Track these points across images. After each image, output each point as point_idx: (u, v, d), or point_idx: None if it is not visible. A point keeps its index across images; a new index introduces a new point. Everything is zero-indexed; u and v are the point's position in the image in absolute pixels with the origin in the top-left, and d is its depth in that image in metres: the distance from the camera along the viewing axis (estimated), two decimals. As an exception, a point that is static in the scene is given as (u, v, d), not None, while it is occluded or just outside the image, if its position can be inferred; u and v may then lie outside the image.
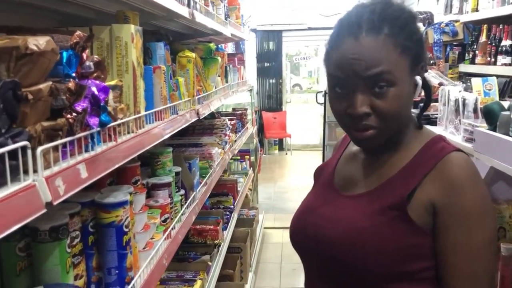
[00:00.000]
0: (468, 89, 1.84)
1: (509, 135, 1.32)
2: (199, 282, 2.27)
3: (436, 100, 2.03)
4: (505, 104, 1.33)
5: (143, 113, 1.40)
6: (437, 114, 2.05)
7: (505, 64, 3.34)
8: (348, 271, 0.99)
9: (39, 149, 0.80)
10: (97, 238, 1.29)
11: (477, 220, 0.94)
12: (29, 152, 0.77)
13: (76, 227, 1.20)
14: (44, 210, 0.79)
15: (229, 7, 3.80)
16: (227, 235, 3.03)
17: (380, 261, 0.95)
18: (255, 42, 9.02)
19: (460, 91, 1.83)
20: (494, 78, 1.82)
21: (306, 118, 10.90)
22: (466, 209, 0.94)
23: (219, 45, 3.69)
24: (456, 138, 1.76)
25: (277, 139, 9.32)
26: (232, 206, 3.38)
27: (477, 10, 4.06)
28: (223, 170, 3.47)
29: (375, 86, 0.95)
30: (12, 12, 1.48)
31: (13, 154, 0.74)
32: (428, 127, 2.20)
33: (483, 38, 3.91)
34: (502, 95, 1.96)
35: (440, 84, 2.20)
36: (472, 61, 4.07)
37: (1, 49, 0.77)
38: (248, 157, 4.74)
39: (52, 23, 1.74)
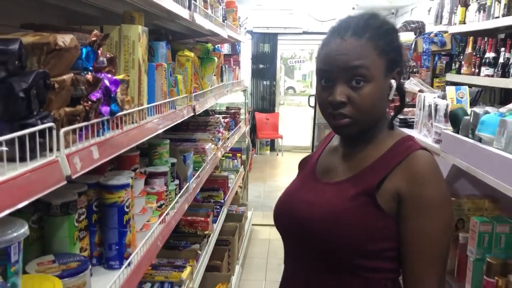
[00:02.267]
0: (445, 96, 2.00)
1: (468, 137, 1.48)
2: (188, 269, 2.40)
3: (414, 106, 2.19)
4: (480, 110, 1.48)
5: (145, 105, 1.54)
6: (414, 118, 2.21)
7: (488, 75, 3.51)
8: (323, 248, 1.13)
9: (62, 130, 0.94)
10: (100, 217, 1.43)
11: (434, 210, 1.09)
12: (54, 132, 0.90)
13: (82, 205, 1.33)
14: (65, 182, 0.92)
15: (227, 10, 3.94)
16: (217, 227, 3.17)
17: (351, 240, 1.10)
18: (251, 44, 9.16)
19: (434, 98, 1.99)
20: (466, 87, 1.98)
21: (298, 120, 11.05)
22: (425, 200, 1.09)
23: (216, 46, 3.83)
24: (427, 140, 1.91)
25: (269, 139, 9.47)
26: (222, 201, 3.52)
27: (464, 23, 4.22)
28: (215, 166, 3.61)
29: (353, 79, 1.10)
30: (22, 8, 1.60)
31: (41, 133, 0.87)
32: (404, 129, 2.37)
33: (469, 50, 4.07)
34: (474, 103, 2.12)
35: (420, 91, 2.36)
36: (458, 71, 4.21)
37: (34, 44, 0.91)
38: (239, 155, 4.88)
39: (59, 20, 1.87)
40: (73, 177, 0.95)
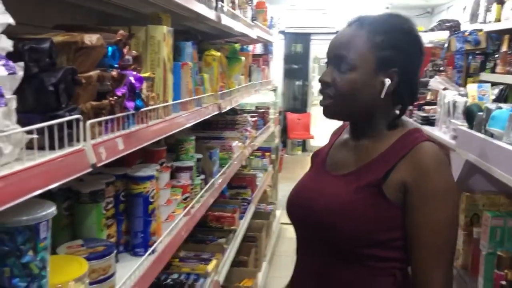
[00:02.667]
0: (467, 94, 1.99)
1: (481, 133, 1.48)
2: (214, 262, 2.48)
3: (436, 103, 2.18)
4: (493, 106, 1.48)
5: (170, 102, 1.62)
6: (435, 116, 2.21)
7: (523, 74, 3.42)
8: (332, 238, 1.18)
9: (88, 122, 1.02)
10: (127, 207, 1.52)
11: (440, 200, 1.12)
12: (81, 124, 0.99)
13: (110, 194, 1.42)
14: (90, 169, 1.01)
15: (257, 10, 4.00)
16: (243, 223, 3.24)
17: (358, 230, 1.14)
18: (283, 44, 9.19)
19: (454, 95, 1.99)
20: (489, 84, 1.97)
21: (330, 120, 10.98)
22: (431, 190, 1.12)
23: (245, 46, 3.90)
24: (446, 136, 1.92)
25: (301, 140, 9.47)
26: (249, 198, 3.59)
27: (499, 20, 4.12)
28: (243, 164, 3.69)
29: (340, 64, 1.16)
30: (62, 11, 1.71)
31: (69, 124, 0.96)
32: (425, 126, 2.37)
33: (504, 48, 3.98)
34: (498, 101, 2.09)
35: (445, 89, 2.35)
36: (493, 70, 4.12)
37: (64, 43, 1.00)
38: (268, 154, 4.93)
39: (92, 20, 1.98)
40: (98, 165, 1.04)
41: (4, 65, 0.73)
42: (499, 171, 1.34)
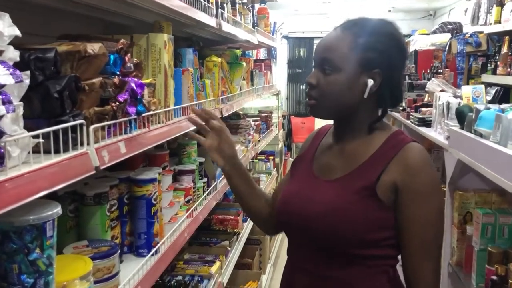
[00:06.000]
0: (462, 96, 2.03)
1: (471, 133, 1.52)
2: (218, 263, 2.52)
3: (432, 105, 2.22)
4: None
5: (172, 107, 1.67)
6: (431, 117, 2.24)
7: (524, 75, 3.44)
8: (327, 242, 1.21)
9: (91, 127, 1.07)
10: (130, 208, 1.57)
11: (427, 197, 1.17)
12: (84, 128, 1.04)
13: (114, 196, 1.48)
14: (94, 172, 1.06)
15: (258, 16, 4.06)
16: (247, 226, 3.29)
17: (352, 231, 1.17)
18: (287, 49, 9.26)
19: (449, 97, 2.02)
20: (482, 86, 2.00)
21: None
22: (418, 188, 1.16)
23: (247, 51, 3.96)
24: (440, 137, 1.95)
25: (305, 144, 9.47)
26: (253, 201, 3.63)
27: (499, 22, 4.15)
28: (247, 168, 3.73)
29: (325, 66, 1.21)
30: (66, 20, 1.77)
31: (73, 129, 1.01)
32: (422, 128, 2.40)
33: (504, 49, 4.00)
34: (493, 102, 2.12)
35: (442, 91, 2.39)
36: (494, 72, 4.14)
37: (68, 52, 1.06)
38: (272, 158, 4.98)
39: (97, 29, 2.04)
40: (101, 168, 1.09)
41: (11, 74, 0.78)
42: (487, 169, 1.38)
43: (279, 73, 8.12)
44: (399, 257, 1.23)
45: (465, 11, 6.17)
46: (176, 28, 1.92)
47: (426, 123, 2.26)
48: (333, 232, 1.19)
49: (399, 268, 1.24)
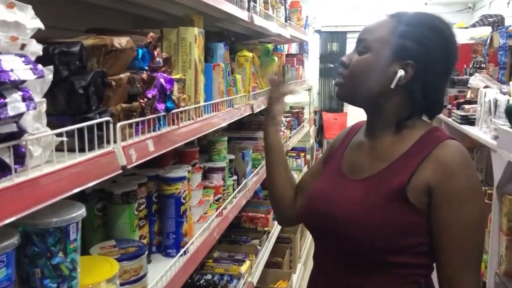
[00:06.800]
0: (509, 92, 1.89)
1: None
2: (247, 263, 2.47)
3: (476, 102, 2.09)
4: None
5: (202, 103, 1.62)
6: (475, 115, 2.11)
7: None
8: (355, 246, 1.12)
9: (118, 124, 1.02)
10: (159, 208, 1.53)
11: (465, 200, 1.06)
12: (111, 126, 0.99)
13: (142, 195, 1.44)
14: (120, 171, 1.01)
15: (291, 10, 3.98)
16: (277, 225, 3.22)
17: (382, 237, 1.08)
18: (319, 43, 9.12)
19: (496, 93, 1.89)
20: (533, 81, 1.86)
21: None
22: (456, 190, 1.06)
23: (279, 46, 3.88)
24: (487, 136, 1.82)
25: (337, 140, 9.33)
26: (284, 199, 3.56)
27: (545, 14, 3.93)
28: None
29: (360, 46, 1.18)
30: (93, 14, 1.74)
31: (99, 126, 0.97)
32: (465, 126, 2.27)
33: (550, 43, 3.79)
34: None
35: (486, 87, 2.25)
36: (539, 66, 3.93)
37: (94, 46, 1.01)
38: (303, 154, 4.89)
39: (125, 23, 2.01)
40: (129, 167, 1.04)
41: (32, 69, 0.74)
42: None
43: (311, 68, 7.99)
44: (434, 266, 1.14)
45: (508, 3, 5.90)
46: (207, 22, 1.87)
47: (469, 121, 2.13)
48: (357, 236, 1.11)
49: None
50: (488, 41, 4.46)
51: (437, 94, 1.17)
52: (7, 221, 0.69)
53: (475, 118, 2.13)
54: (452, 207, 1.06)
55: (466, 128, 2.15)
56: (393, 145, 1.16)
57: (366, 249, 1.11)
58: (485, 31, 4.93)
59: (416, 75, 1.12)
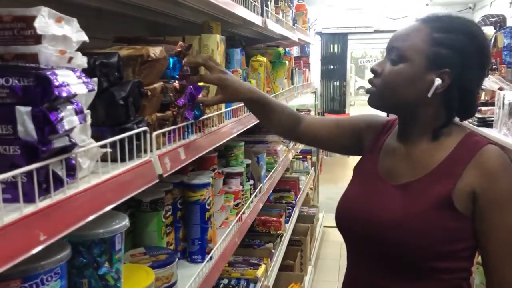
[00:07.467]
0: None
1: None
2: (263, 267, 2.48)
3: (493, 104, 2.10)
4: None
5: (223, 110, 1.63)
6: (493, 117, 2.12)
7: None
8: (396, 252, 1.13)
9: (154, 133, 1.03)
10: (183, 214, 1.53)
11: (509, 204, 1.07)
12: (148, 135, 1.00)
13: (169, 202, 1.44)
14: (157, 180, 1.02)
15: (297, 13, 3.99)
16: (289, 227, 3.23)
17: (427, 243, 1.09)
18: (320, 45, 9.13)
19: (516, 95, 1.91)
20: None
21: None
22: (500, 194, 1.07)
23: (286, 49, 3.89)
24: (508, 139, 1.83)
25: (340, 141, 9.33)
26: (293, 202, 3.57)
27: (549, 14, 3.94)
28: (286, 168, 3.67)
29: (392, 55, 1.15)
30: (106, 21, 1.74)
31: (137, 136, 0.97)
32: (482, 128, 2.28)
33: (555, 42, 3.81)
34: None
35: (500, 89, 2.26)
36: (544, 66, 3.94)
37: (130, 57, 1.02)
38: (310, 156, 4.90)
39: (143, 30, 2.01)
40: (165, 175, 1.05)
41: (84, 82, 0.75)
42: None
43: (313, 70, 8.01)
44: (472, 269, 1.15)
45: (510, 3, 5.92)
46: (221, 27, 1.88)
47: (487, 123, 2.15)
48: (402, 241, 1.11)
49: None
50: (492, 41, 4.47)
51: (472, 97, 1.17)
52: (63, 234, 0.70)
53: (492, 121, 2.14)
54: (497, 211, 1.08)
55: (484, 131, 2.14)
56: (430, 151, 1.16)
57: (411, 255, 1.11)
58: (488, 32, 4.94)
59: (452, 82, 1.11)
